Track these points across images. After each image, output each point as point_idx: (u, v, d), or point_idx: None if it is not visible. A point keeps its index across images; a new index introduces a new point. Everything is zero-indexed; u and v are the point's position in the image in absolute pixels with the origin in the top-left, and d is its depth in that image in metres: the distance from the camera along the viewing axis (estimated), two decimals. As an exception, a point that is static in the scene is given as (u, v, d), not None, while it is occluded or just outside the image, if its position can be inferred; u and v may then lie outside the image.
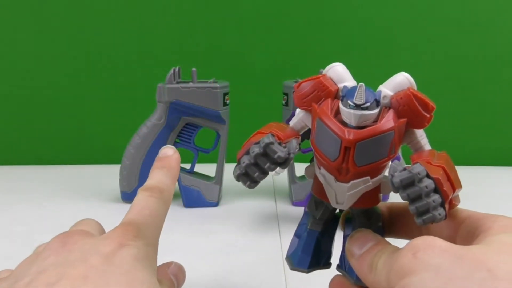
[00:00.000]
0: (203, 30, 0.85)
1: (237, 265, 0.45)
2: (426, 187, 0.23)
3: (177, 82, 0.63)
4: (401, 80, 0.27)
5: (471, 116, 0.88)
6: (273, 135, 0.27)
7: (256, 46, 0.86)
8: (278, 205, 0.65)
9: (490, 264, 0.19)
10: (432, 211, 0.23)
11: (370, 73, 0.88)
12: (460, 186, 0.25)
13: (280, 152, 0.27)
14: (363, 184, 0.26)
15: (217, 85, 0.62)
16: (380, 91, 0.27)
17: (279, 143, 0.27)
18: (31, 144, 0.89)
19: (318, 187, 0.29)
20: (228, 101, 0.64)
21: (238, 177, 0.28)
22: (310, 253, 0.30)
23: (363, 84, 0.26)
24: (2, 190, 0.72)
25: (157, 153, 0.64)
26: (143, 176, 0.64)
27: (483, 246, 0.21)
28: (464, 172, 0.89)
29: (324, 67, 0.73)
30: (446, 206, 0.23)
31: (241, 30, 0.85)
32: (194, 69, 0.63)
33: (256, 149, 0.27)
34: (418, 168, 0.24)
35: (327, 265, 0.31)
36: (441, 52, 0.85)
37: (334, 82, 0.28)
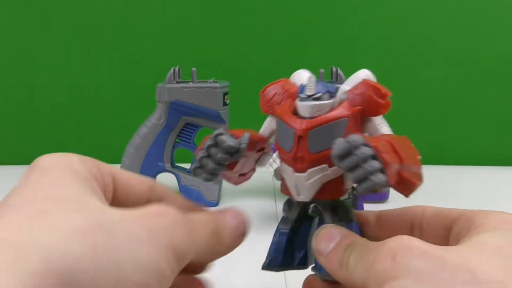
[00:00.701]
0: (203, 30, 0.85)
1: (237, 265, 0.45)
2: (363, 153, 0.23)
3: (177, 82, 0.63)
4: (361, 76, 0.28)
5: (471, 116, 0.88)
6: (225, 129, 0.29)
7: (256, 46, 0.86)
8: (278, 205, 0.65)
9: (470, 266, 0.18)
10: (369, 176, 0.23)
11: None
12: (416, 164, 0.25)
13: (229, 141, 0.27)
14: (321, 172, 0.27)
15: (217, 85, 0.62)
16: (334, 85, 0.28)
17: (231, 136, 0.28)
18: (31, 144, 0.89)
19: (285, 185, 0.29)
20: (228, 101, 0.64)
21: (194, 171, 0.29)
22: (281, 252, 0.30)
23: (313, 76, 0.27)
24: (2, 190, 0.71)
25: (157, 153, 0.62)
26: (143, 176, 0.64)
27: (464, 247, 0.20)
28: (464, 172, 0.90)
29: (324, 67, 0.74)
30: (388, 172, 0.23)
31: (241, 30, 0.85)
32: (194, 69, 0.63)
33: (208, 142, 0.28)
34: (354, 137, 0.24)
35: (303, 265, 0.31)
36: (441, 52, 0.85)
37: (296, 85, 0.29)
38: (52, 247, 0.17)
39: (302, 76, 0.30)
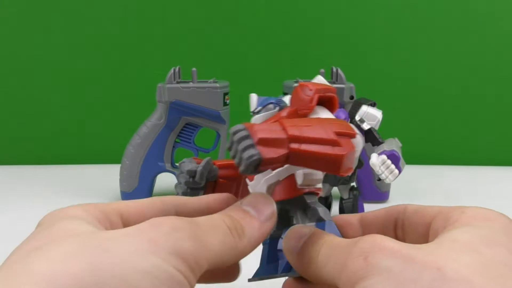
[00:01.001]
0: (203, 30, 0.85)
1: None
2: (236, 137, 0.23)
3: (177, 82, 0.63)
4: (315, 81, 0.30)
5: (471, 116, 0.88)
6: (191, 159, 0.32)
7: (256, 46, 0.86)
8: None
9: (439, 264, 0.18)
10: (241, 154, 0.23)
11: (369, 73, 0.88)
12: (321, 136, 0.24)
13: (188, 166, 0.31)
14: (264, 176, 0.28)
15: (217, 85, 0.62)
16: (281, 97, 0.30)
17: (193, 161, 0.32)
18: (31, 144, 0.89)
19: None
20: (228, 101, 0.64)
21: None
22: (264, 261, 0.30)
23: (253, 94, 0.30)
24: (2, 190, 0.72)
25: (157, 153, 0.63)
26: (143, 176, 0.64)
27: (434, 244, 0.20)
28: (464, 172, 0.90)
29: (324, 67, 0.73)
30: (261, 147, 0.23)
31: (241, 30, 0.85)
32: (194, 69, 0.63)
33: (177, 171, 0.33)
34: (234, 126, 0.24)
35: (288, 272, 0.31)
36: (441, 52, 0.85)
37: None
38: (46, 271, 0.17)
39: (252, 99, 0.32)
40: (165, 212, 0.26)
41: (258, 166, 0.23)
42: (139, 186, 0.64)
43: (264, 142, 0.23)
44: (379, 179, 0.59)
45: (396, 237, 0.27)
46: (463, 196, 0.69)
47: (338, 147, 0.24)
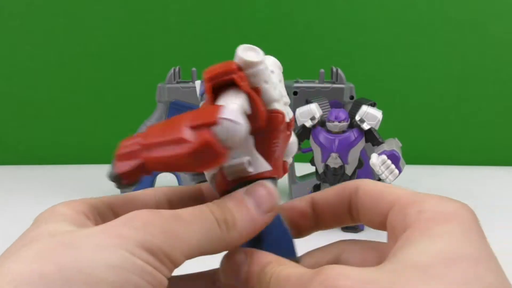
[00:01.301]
0: (203, 30, 0.85)
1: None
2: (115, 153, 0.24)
3: (177, 82, 0.63)
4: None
5: (471, 116, 0.88)
6: None
7: (256, 46, 0.85)
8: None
9: None
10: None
11: (369, 73, 0.88)
12: (166, 137, 0.22)
13: None
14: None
15: (217, 85, 0.62)
16: None
17: None
18: (31, 144, 0.89)
19: None
20: (228, 101, 0.64)
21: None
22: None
23: (197, 81, 0.27)
24: (2, 190, 0.72)
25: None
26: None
27: (392, 273, 0.19)
28: (464, 172, 0.89)
29: (324, 67, 0.73)
30: (118, 162, 0.24)
31: (241, 30, 0.85)
32: (194, 69, 0.63)
33: None
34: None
35: None
36: (441, 53, 0.85)
37: None
38: (17, 271, 0.19)
39: (197, 86, 0.30)
40: (156, 203, 0.27)
41: (120, 181, 0.23)
42: (139, 186, 0.64)
43: (121, 156, 0.23)
44: (379, 179, 0.59)
45: (353, 219, 0.26)
46: (463, 196, 0.69)
47: (186, 143, 0.21)
